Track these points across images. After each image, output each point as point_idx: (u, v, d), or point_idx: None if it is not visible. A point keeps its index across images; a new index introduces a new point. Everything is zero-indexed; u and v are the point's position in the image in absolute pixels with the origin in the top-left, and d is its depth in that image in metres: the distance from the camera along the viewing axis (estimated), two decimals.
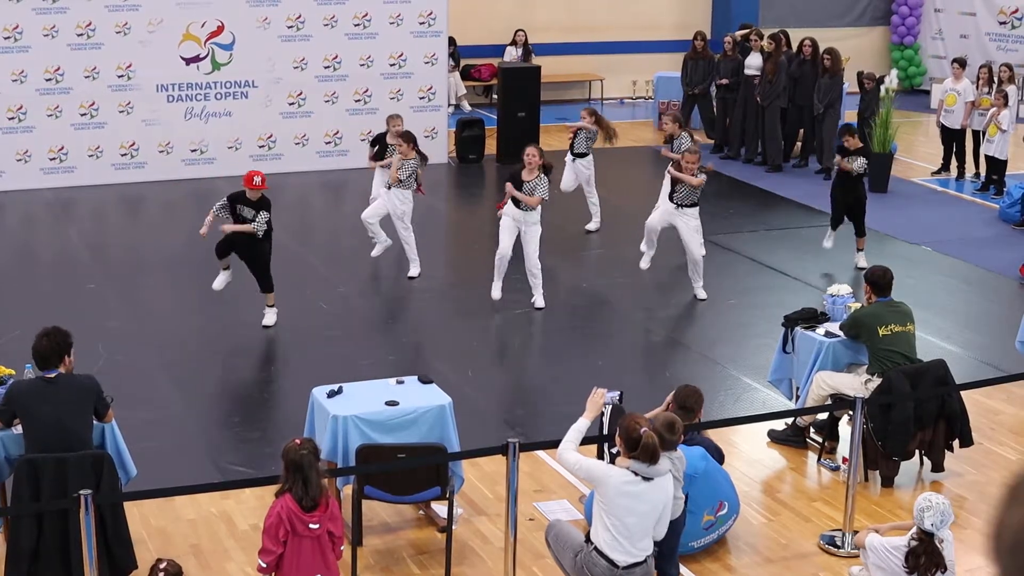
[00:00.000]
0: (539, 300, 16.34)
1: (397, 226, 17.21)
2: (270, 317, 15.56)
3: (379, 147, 18.16)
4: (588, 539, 9.13)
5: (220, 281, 15.56)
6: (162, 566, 9.74)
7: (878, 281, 12.36)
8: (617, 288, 17.22)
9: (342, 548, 8.91)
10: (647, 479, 8.89)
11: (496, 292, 16.41)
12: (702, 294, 16.82)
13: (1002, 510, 2.59)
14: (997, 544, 2.58)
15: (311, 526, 8.49)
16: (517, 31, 28.60)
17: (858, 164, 17.86)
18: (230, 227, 15.03)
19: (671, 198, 16.84)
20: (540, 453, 12.03)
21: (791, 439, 12.77)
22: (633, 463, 8.88)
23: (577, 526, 9.90)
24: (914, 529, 9.06)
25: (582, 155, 19.65)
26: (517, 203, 16.06)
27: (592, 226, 19.97)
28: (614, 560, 8.93)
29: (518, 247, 16.20)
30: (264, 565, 8.56)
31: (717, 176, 23.37)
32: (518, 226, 16.19)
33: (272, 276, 15.36)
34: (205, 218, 15.28)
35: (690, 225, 16.67)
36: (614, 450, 9.54)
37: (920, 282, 17.36)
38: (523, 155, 16.14)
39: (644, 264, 17.37)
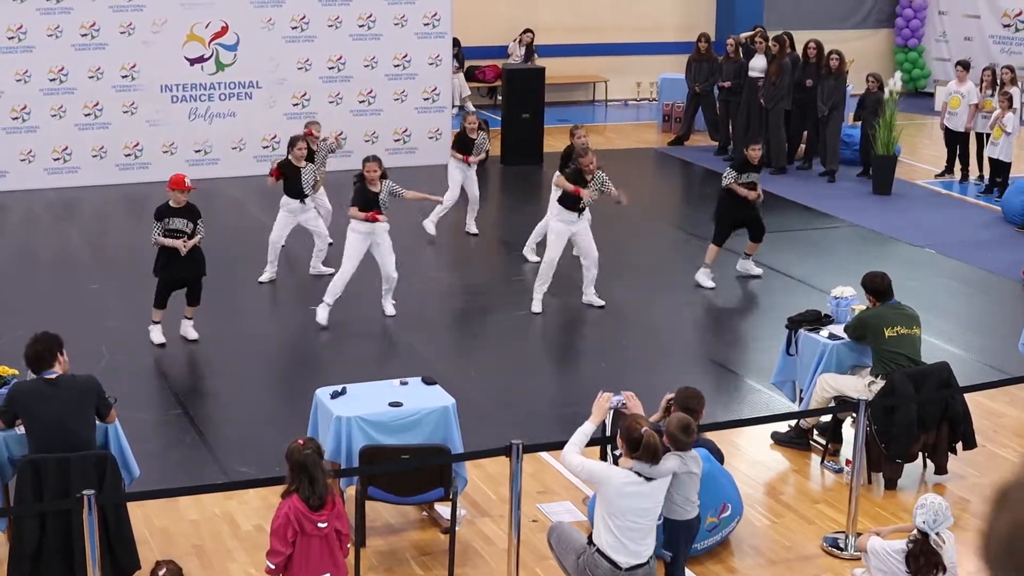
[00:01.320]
0: (390, 307, 16.03)
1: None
2: (191, 332, 15.17)
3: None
4: (590, 541, 9.15)
5: (158, 336, 15.01)
6: (161, 571, 9.74)
7: (877, 286, 12.32)
8: (619, 290, 17.20)
9: (348, 546, 8.93)
10: (649, 479, 8.93)
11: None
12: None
13: (990, 516, 2.68)
14: (987, 550, 2.66)
15: (319, 525, 8.49)
16: (524, 31, 28.66)
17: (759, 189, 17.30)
18: (185, 244, 14.44)
19: (573, 208, 16.05)
20: (543, 455, 12.02)
21: (794, 441, 12.76)
22: (636, 463, 8.92)
23: (581, 528, 9.91)
24: (914, 531, 9.08)
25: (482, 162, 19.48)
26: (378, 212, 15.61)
27: (433, 227, 19.55)
28: (616, 562, 8.95)
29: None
30: (272, 567, 8.56)
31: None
32: (368, 240, 15.67)
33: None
34: (166, 241, 14.48)
35: (582, 227, 16.25)
36: (617, 452, 9.55)
37: (923, 284, 17.35)
38: (363, 170, 15.59)
39: (537, 308, 16.31)
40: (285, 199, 16.85)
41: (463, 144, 19.38)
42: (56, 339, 9.96)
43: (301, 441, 8.61)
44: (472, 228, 19.62)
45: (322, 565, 8.59)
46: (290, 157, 16.83)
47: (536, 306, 16.23)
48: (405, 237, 19.21)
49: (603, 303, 16.43)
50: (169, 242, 14.49)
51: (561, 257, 16.19)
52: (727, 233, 17.34)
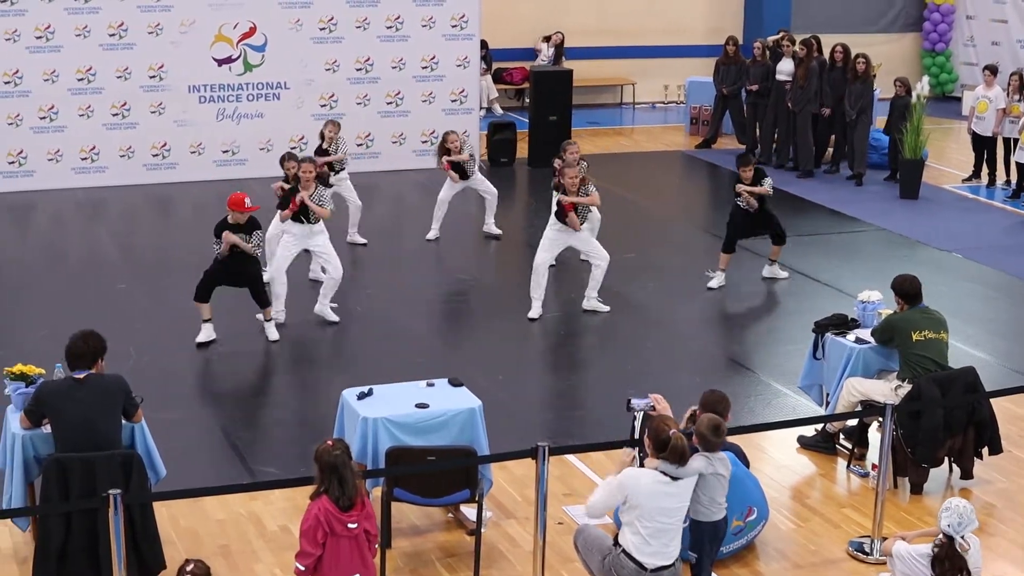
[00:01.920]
0: (330, 313, 15.84)
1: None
2: (273, 332, 15.26)
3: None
4: (616, 542, 9.16)
5: (206, 334, 15.01)
6: (189, 568, 9.76)
7: (907, 290, 12.28)
8: (646, 292, 17.20)
9: (376, 546, 8.93)
10: (676, 479, 8.94)
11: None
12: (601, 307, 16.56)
13: None
14: None
15: (350, 525, 8.50)
16: (555, 33, 28.73)
17: (767, 184, 17.35)
18: (233, 239, 14.57)
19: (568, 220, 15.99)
20: (570, 457, 12.02)
21: (821, 445, 12.74)
22: (662, 464, 8.94)
23: (607, 530, 9.91)
24: (939, 535, 9.06)
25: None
26: (304, 218, 15.43)
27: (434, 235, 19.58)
28: (642, 563, 8.96)
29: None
30: (302, 568, 8.56)
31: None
32: (302, 243, 15.63)
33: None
34: (232, 238, 14.64)
35: (583, 236, 16.26)
36: (642, 455, 9.55)
37: (950, 289, 17.30)
38: (299, 171, 15.52)
39: (535, 313, 16.14)
40: (289, 223, 15.67)
41: (457, 167, 19.24)
42: (102, 345, 9.95)
43: (330, 442, 8.62)
44: (493, 230, 19.63)
45: (352, 566, 8.59)
46: (289, 178, 16.45)
47: (534, 311, 16.19)
48: (421, 241, 19.27)
49: (607, 308, 16.42)
50: (234, 239, 14.59)
51: (583, 259, 16.15)
52: (732, 239, 17.40)
